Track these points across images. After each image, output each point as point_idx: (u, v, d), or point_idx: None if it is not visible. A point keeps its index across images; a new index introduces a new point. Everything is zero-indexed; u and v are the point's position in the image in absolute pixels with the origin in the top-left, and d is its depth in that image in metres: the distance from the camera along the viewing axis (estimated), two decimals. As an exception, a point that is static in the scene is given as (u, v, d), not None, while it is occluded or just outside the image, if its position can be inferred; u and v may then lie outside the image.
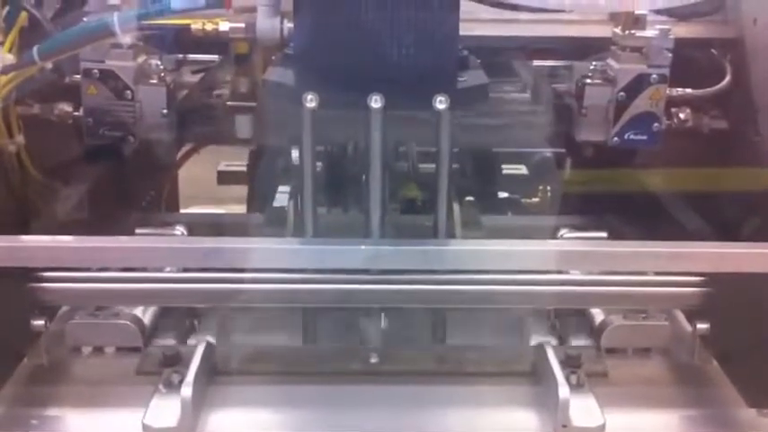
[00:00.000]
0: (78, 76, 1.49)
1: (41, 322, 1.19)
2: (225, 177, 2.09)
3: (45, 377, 1.25)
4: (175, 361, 1.22)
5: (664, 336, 1.31)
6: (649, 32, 1.47)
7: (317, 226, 1.27)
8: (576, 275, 1.29)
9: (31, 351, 1.22)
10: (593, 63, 1.54)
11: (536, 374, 1.25)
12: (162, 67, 1.53)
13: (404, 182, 1.60)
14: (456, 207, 1.36)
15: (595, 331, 1.32)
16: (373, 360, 1.28)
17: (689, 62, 1.53)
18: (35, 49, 1.32)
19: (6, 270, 1.14)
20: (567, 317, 1.37)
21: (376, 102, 1.15)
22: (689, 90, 1.54)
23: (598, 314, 1.34)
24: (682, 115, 1.54)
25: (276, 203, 1.64)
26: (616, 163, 1.59)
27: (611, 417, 1.15)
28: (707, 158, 1.58)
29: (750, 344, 1.20)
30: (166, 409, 1.14)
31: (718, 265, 1.19)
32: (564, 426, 1.14)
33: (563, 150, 1.79)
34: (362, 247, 1.19)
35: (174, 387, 1.17)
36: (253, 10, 1.34)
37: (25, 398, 1.21)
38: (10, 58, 1.34)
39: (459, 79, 1.20)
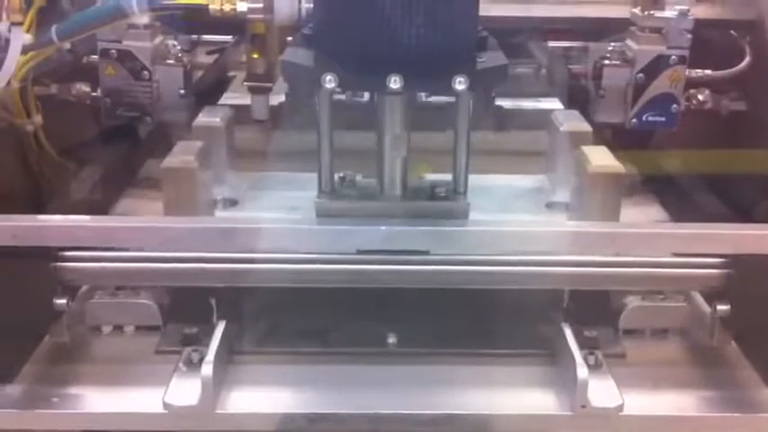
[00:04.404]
0: (95, 57, 1.49)
1: (63, 301, 1.20)
2: None
3: (66, 355, 1.26)
4: (195, 340, 1.22)
5: (682, 317, 1.31)
6: (669, 13, 1.46)
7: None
8: (593, 256, 1.28)
9: (52, 329, 1.23)
10: (612, 44, 1.53)
11: (554, 355, 1.26)
12: (179, 47, 1.53)
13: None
14: None
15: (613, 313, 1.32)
16: (391, 340, 1.29)
17: (708, 43, 1.52)
18: (53, 28, 1.32)
19: (29, 249, 1.14)
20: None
21: (395, 82, 1.15)
22: (708, 71, 1.53)
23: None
24: (701, 96, 1.53)
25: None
26: (633, 144, 1.59)
27: (629, 397, 1.15)
28: (725, 140, 1.57)
29: (769, 325, 1.19)
30: (187, 387, 1.15)
31: (737, 246, 1.18)
32: (582, 406, 1.14)
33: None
34: (382, 228, 1.19)
35: (194, 366, 1.18)
36: (270, -10, 1.34)
37: (47, 376, 1.23)
38: (28, 38, 1.34)
39: (479, 60, 1.19)
